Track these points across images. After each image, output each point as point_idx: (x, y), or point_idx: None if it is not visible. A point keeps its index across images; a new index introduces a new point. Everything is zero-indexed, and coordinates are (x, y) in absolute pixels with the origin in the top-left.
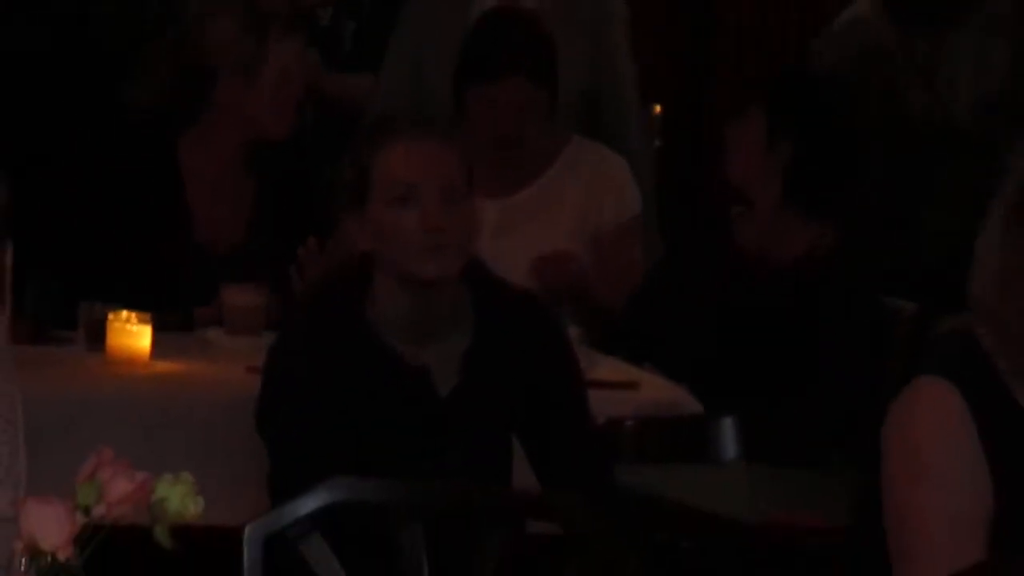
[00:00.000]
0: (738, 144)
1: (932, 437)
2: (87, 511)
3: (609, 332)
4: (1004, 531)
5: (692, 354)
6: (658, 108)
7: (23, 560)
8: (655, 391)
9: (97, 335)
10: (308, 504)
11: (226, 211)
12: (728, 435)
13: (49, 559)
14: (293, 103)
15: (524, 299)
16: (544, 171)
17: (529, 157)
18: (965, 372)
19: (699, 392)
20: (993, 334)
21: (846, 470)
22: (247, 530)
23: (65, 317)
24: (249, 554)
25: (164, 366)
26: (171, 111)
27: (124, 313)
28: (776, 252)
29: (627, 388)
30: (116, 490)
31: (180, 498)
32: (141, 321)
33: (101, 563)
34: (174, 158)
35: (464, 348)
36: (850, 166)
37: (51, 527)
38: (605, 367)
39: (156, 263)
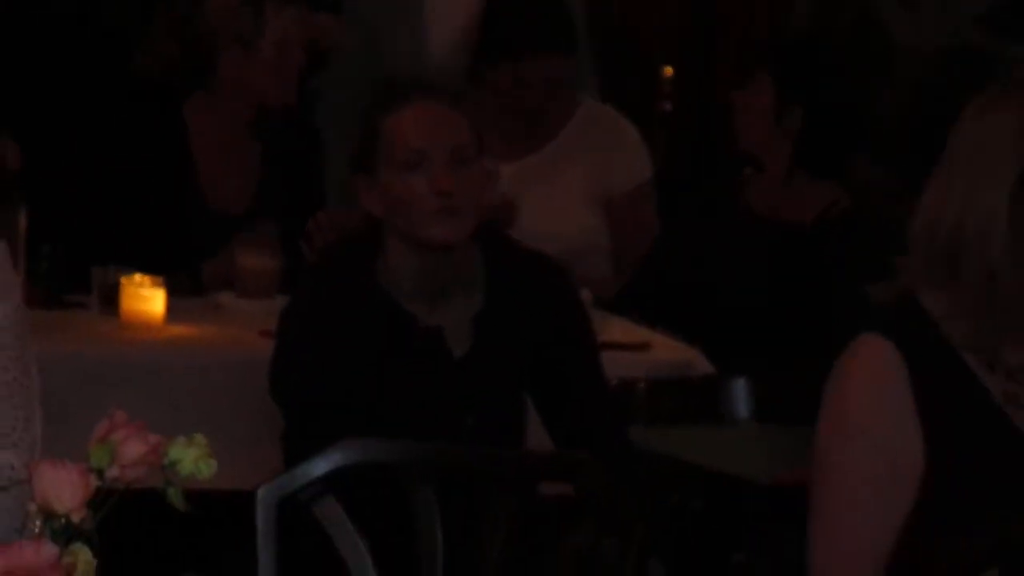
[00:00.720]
0: (747, 111)
1: (862, 393)
2: (100, 473)
3: (623, 294)
4: (937, 493)
5: (705, 316)
6: (669, 70)
7: (37, 522)
8: (667, 352)
9: (111, 299)
10: (321, 466)
11: (234, 176)
12: (740, 396)
13: (63, 521)
14: (294, 71)
15: (536, 260)
16: (557, 134)
17: (542, 120)
18: (907, 332)
19: (712, 353)
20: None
21: None
22: (260, 492)
23: (79, 282)
24: (262, 516)
25: (177, 330)
26: (177, 80)
27: (137, 277)
28: (789, 214)
29: (639, 349)
30: (129, 452)
31: (193, 460)
32: (154, 285)
33: (115, 526)
34: (181, 124)
35: (477, 310)
36: (861, 126)
37: (65, 489)
38: (617, 329)
39: (167, 227)
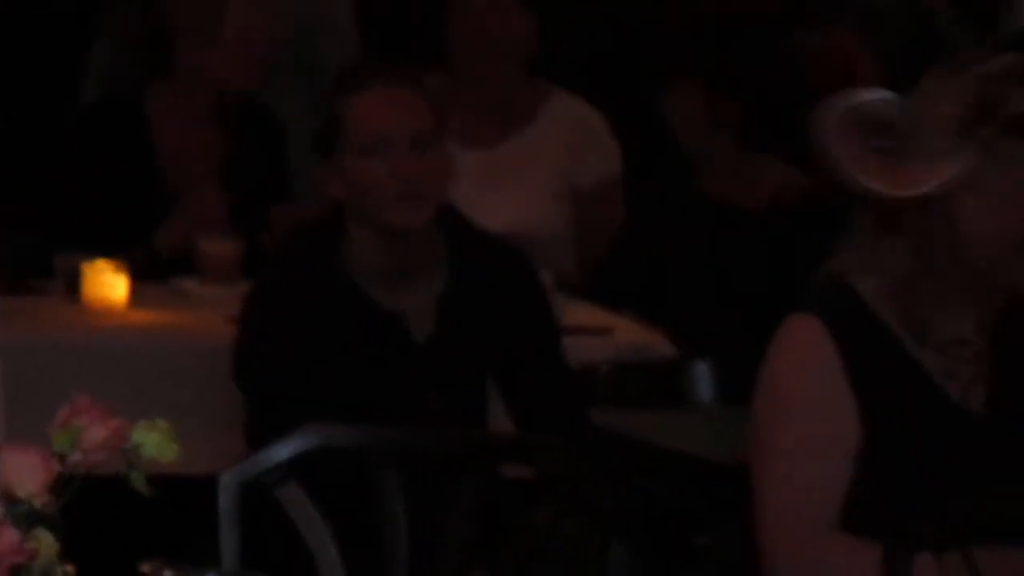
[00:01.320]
0: (680, 118)
1: (792, 370)
2: (63, 458)
3: (587, 280)
4: (875, 468)
5: (669, 300)
6: None
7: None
8: (630, 336)
9: (73, 285)
10: (284, 451)
11: (198, 164)
12: (703, 378)
13: (25, 506)
14: (255, 59)
15: (499, 245)
16: (526, 124)
17: (512, 108)
18: (837, 311)
19: (676, 337)
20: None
21: None
22: (223, 477)
23: (42, 268)
24: (225, 501)
25: (140, 316)
26: (139, 69)
27: (100, 263)
28: (744, 199)
29: (602, 333)
30: (92, 436)
31: (156, 444)
32: (117, 271)
33: (79, 511)
34: (143, 113)
35: (439, 294)
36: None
37: (27, 474)
38: (580, 312)
39: (130, 216)
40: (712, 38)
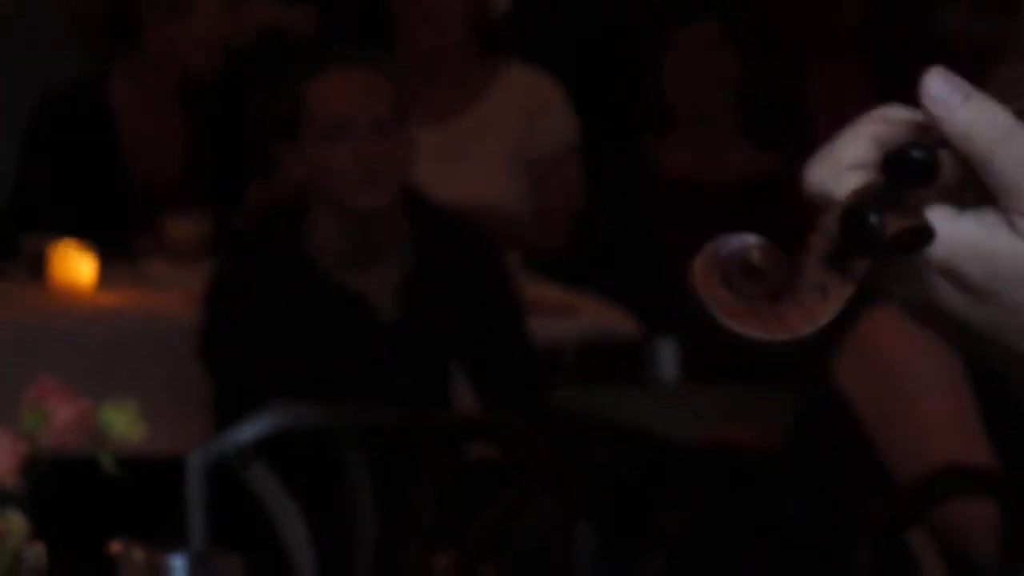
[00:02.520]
0: (684, 52)
1: (912, 357)
2: (32, 439)
3: (549, 258)
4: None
5: (632, 277)
6: None
7: None
8: (594, 314)
9: (38, 267)
10: (250, 431)
11: (162, 147)
12: (667, 356)
13: None
14: (222, 39)
15: (462, 226)
16: (480, 96)
17: (464, 82)
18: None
19: (639, 315)
20: None
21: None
22: (189, 458)
23: (6, 248)
24: (192, 482)
25: (107, 296)
26: (102, 51)
27: (66, 244)
28: (710, 176)
29: (566, 312)
30: (60, 417)
31: (124, 424)
32: (83, 252)
33: (48, 494)
34: (104, 96)
35: (403, 276)
36: (796, 82)
37: None
38: (544, 292)
39: (94, 200)
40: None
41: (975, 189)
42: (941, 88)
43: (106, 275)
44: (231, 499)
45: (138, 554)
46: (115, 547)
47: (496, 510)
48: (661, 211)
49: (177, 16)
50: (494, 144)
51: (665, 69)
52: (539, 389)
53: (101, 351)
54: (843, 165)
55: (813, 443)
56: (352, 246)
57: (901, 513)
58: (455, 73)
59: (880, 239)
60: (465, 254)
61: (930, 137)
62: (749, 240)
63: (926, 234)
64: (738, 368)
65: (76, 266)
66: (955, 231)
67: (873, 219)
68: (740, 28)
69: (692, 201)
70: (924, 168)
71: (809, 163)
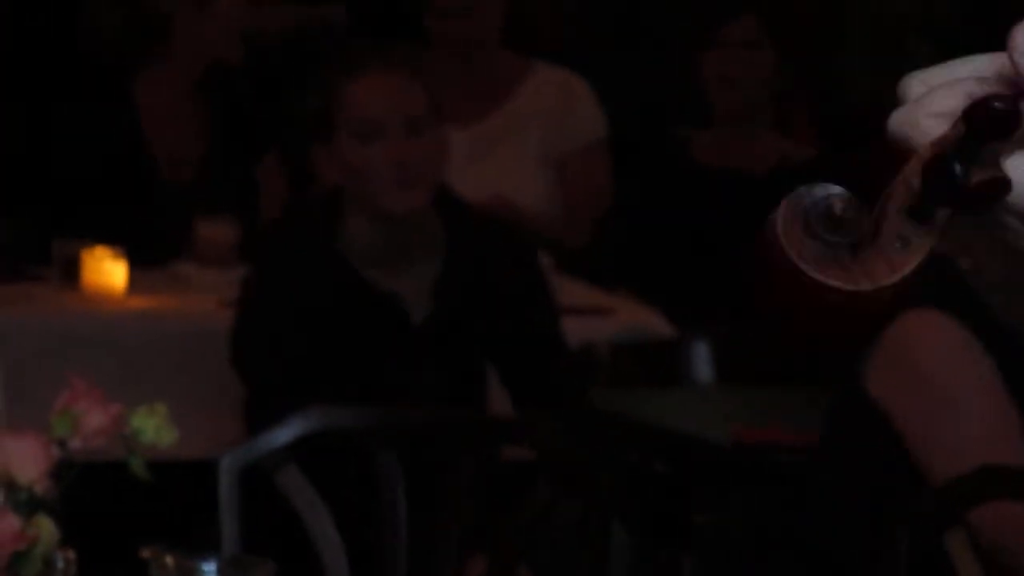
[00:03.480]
0: (723, 52)
1: (946, 366)
2: (63, 444)
3: (581, 258)
4: None
5: (664, 276)
6: None
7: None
8: (627, 315)
9: (71, 272)
10: (283, 434)
11: (186, 143)
12: (701, 357)
13: (26, 492)
14: (241, 29)
15: (495, 226)
16: (508, 97)
17: (493, 82)
18: (951, 300)
19: (672, 315)
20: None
21: (817, 386)
22: (223, 461)
23: (39, 254)
24: (225, 485)
25: (138, 301)
26: (122, 54)
27: (98, 249)
28: (747, 167)
29: (599, 313)
30: (91, 422)
31: (154, 429)
32: (115, 257)
33: (79, 498)
34: (130, 95)
35: (436, 275)
36: (835, 75)
37: (27, 460)
38: (577, 293)
39: (123, 199)
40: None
41: None
42: None
43: (137, 279)
44: (263, 503)
45: (169, 559)
46: (146, 552)
47: (530, 510)
48: (698, 207)
49: (201, 6)
50: (522, 142)
51: (704, 68)
52: (573, 389)
53: (133, 355)
54: (928, 112)
55: (847, 442)
56: (386, 246)
57: (938, 514)
58: (485, 70)
59: (962, 189)
60: (499, 254)
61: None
62: (832, 190)
63: (1005, 184)
64: (772, 367)
65: (108, 270)
66: None
67: (957, 169)
68: (777, 25)
69: (729, 195)
70: (1005, 119)
71: (897, 109)
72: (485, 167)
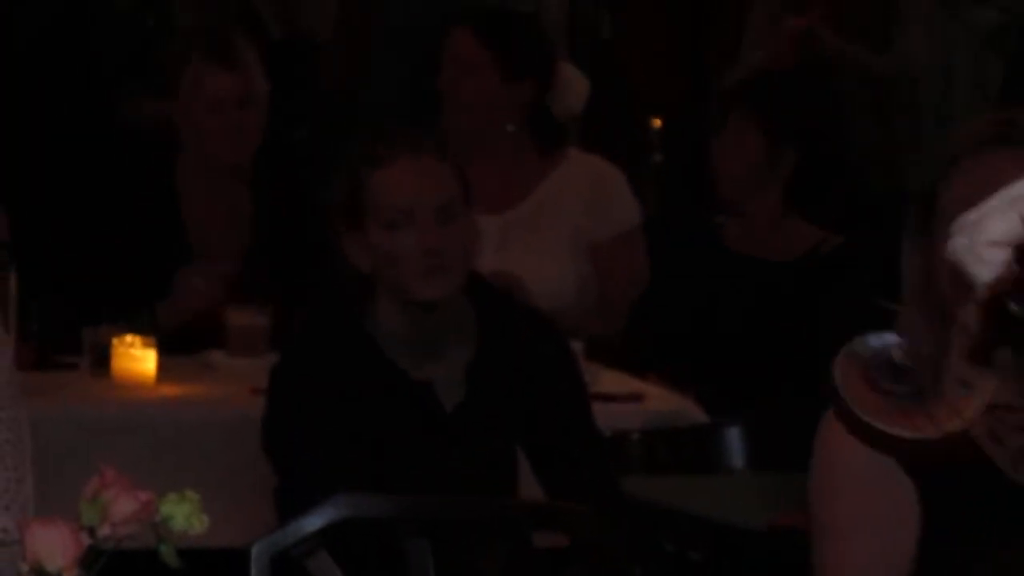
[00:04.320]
0: (731, 156)
1: (844, 445)
2: (92, 531)
3: (612, 345)
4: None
5: (698, 361)
6: (657, 122)
7: None
8: (659, 403)
9: (102, 360)
10: (314, 522)
11: (224, 228)
12: (734, 444)
13: None
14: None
15: (527, 313)
16: (540, 183)
17: (522, 168)
18: None
19: (706, 399)
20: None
21: None
22: (254, 548)
23: (70, 342)
24: (256, 572)
25: (169, 389)
26: (166, 137)
27: (128, 337)
28: (772, 254)
29: (631, 400)
30: (121, 509)
31: (186, 516)
32: (146, 345)
33: None
34: (171, 180)
35: (468, 362)
36: (850, 164)
37: (56, 548)
38: (609, 380)
39: (158, 285)
40: (776, 84)
41: None
42: None
43: (168, 367)
44: None
45: None
46: None
47: None
48: (725, 292)
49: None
50: (554, 229)
51: (714, 164)
52: (606, 477)
53: (164, 443)
54: (986, 240)
55: None
56: (417, 334)
57: None
58: (511, 160)
59: (1021, 327)
60: (530, 341)
61: None
62: (890, 339)
63: None
64: (805, 452)
65: (138, 358)
66: None
67: (1013, 308)
68: (767, 117)
69: (754, 278)
70: None
71: (955, 229)
72: (517, 252)
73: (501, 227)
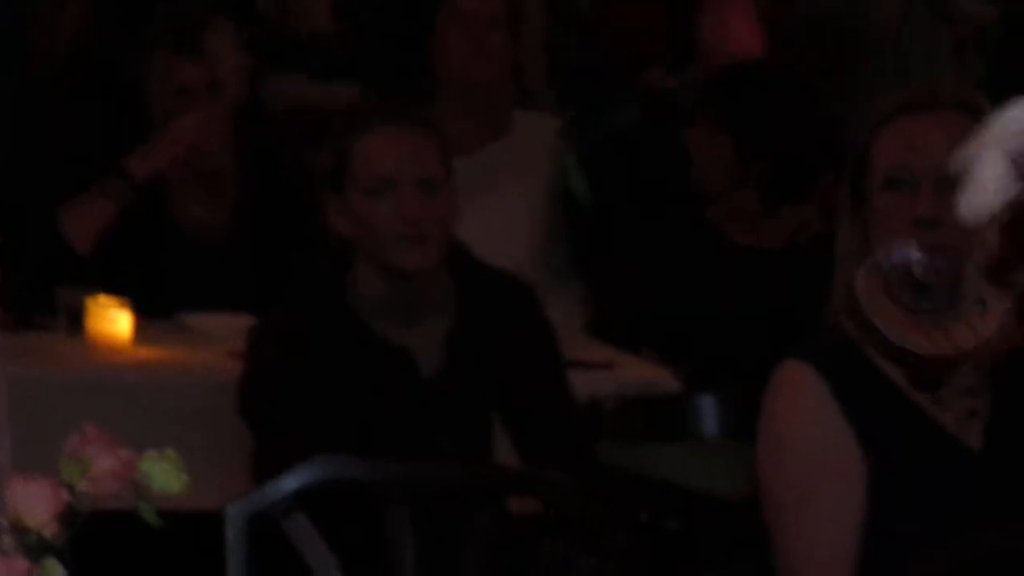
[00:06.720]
0: (704, 153)
1: (789, 415)
2: (72, 488)
3: (598, 317)
4: (882, 500)
5: (680, 345)
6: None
7: (9, 538)
8: (635, 370)
9: (77, 321)
10: (291, 483)
11: (210, 197)
12: (708, 413)
13: (35, 536)
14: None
15: (505, 281)
16: (503, 133)
17: (491, 120)
18: (826, 354)
19: (681, 372)
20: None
21: None
22: (229, 509)
23: (45, 304)
24: (232, 533)
25: (145, 351)
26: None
27: (103, 299)
28: (762, 241)
29: (607, 368)
30: (101, 466)
31: (164, 474)
32: (121, 307)
33: (87, 547)
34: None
35: (446, 330)
36: (827, 151)
37: (36, 504)
38: (585, 348)
39: (138, 250)
40: (745, 88)
41: None
42: None
43: (144, 329)
44: (272, 553)
45: None
46: None
47: (539, 565)
48: (711, 266)
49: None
50: (522, 175)
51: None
52: (581, 444)
53: (139, 405)
54: (986, 187)
55: None
56: (396, 301)
57: (940, 570)
58: (486, 112)
59: None
60: (508, 309)
61: None
62: (913, 255)
63: None
64: None
65: (114, 320)
66: None
67: None
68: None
69: (743, 260)
70: None
71: (960, 200)
72: (485, 195)
73: (471, 168)
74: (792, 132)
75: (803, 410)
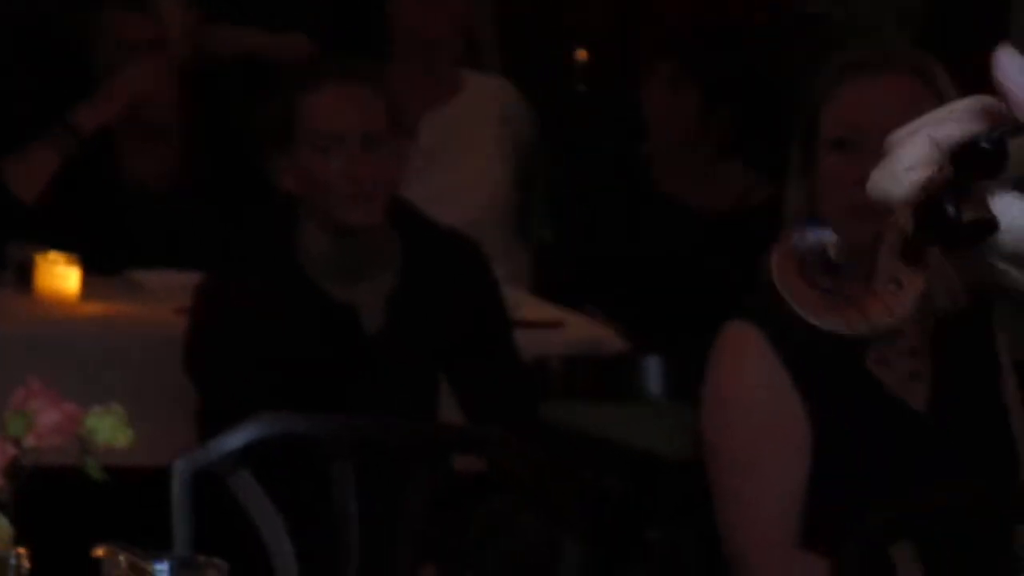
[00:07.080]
0: (662, 107)
1: (734, 379)
2: (18, 442)
3: (544, 275)
4: (826, 459)
5: (622, 296)
6: (583, 53)
7: None
8: (580, 330)
9: (25, 277)
10: (236, 440)
11: (156, 151)
12: (653, 373)
13: None
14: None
15: (451, 239)
16: (457, 91)
17: (443, 79)
18: (768, 314)
19: (628, 332)
20: None
21: None
22: (176, 464)
23: None
24: (177, 489)
25: (92, 307)
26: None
27: (52, 254)
28: (709, 201)
29: (552, 327)
30: (46, 420)
31: (110, 428)
32: (69, 263)
33: (32, 503)
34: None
35: (391, 288)
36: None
37: None
38: (531, 307)
39: (83, 203)
40: (712, 40)
41: None
42: (1014, 70)
43: (92, 285)
44: (216, 508)
45: (123, 558)
46: (100, 551)
47: (482, 523)
48: (657, 230)
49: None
50: (475, 133)
51: (643, 106)
52: (526, 402)
53: (86, 360)
54: (902, 168)
55: None
56: (342, 257)
57: (886, 528)
58: (437, 70)
59: (954, 229)
60: (454, 267)
61: (996, 126)
62: (826, 235)
63: (993, 224)
64: None
65: (62, 276)
66: (1021, 219)
67: (949, 210)
68: (702, 75)
69: (689, 222)
70: (993, 159)
71: (872, 173)
72: (445, 152)
73: (431, 125)
74: (761, 88)
75: (747, 371)
